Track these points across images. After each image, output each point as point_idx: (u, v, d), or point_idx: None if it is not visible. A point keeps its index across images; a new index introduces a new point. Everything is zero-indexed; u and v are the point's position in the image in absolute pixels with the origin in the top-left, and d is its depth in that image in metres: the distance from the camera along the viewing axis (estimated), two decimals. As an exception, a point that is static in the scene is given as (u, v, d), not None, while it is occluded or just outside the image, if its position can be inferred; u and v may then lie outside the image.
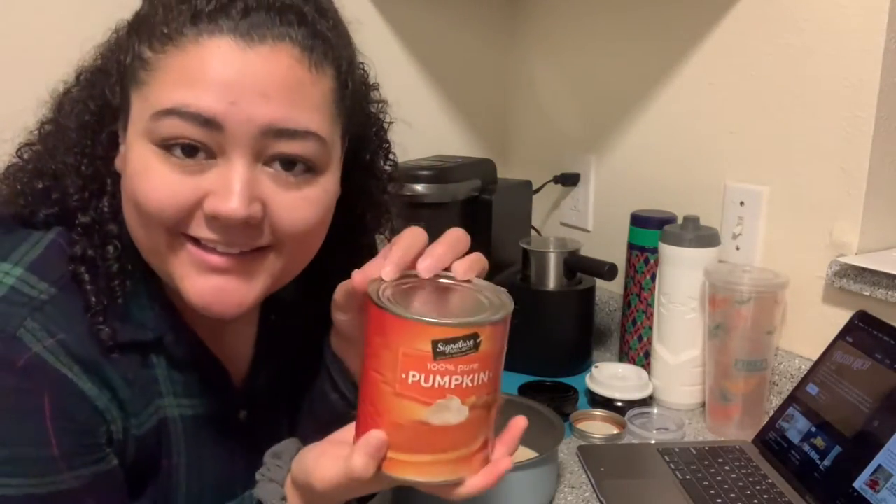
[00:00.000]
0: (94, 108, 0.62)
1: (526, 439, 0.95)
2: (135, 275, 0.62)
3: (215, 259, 0.56)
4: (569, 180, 1.48)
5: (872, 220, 1.00)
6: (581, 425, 1.05)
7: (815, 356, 0.98)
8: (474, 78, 1.61)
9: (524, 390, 1.12)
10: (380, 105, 0.75)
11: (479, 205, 1.27)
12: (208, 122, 0.53)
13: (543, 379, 1.18)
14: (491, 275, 1.34)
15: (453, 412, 0.50)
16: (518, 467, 0.83)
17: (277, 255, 0.59)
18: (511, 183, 1.38)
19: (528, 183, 1.43)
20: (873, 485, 0.79)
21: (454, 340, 0.49)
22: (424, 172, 1.20)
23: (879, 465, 0.80)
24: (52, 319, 0.56)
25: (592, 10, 1.43)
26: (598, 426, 1.06)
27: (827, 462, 0.86)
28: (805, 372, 0.99)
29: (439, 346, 0.49)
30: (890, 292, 0.94)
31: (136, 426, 0.61)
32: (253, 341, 0.71)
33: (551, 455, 0.87)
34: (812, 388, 0.95)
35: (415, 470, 0.52)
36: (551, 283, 1.26)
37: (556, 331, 1.26)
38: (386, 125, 0.77)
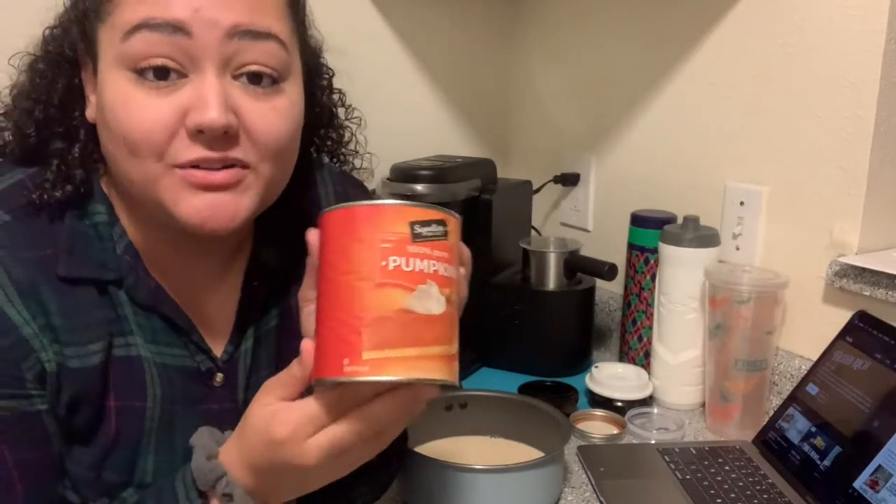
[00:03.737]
0: (49, 62, 0.65)
1: (531, 438, 0.96)
2: (100, 219, 0.64)
3: (205, 176, 0.58)
4: (569, 180, 1.48)
5: (872, 220, 1.00)
6: (581, 425, 1.05)
7: (815, 356, 0.98)
8: (474, 78, 1.60)
9: (524, 390, 1.12)
10: (317, 38, 0.76)
11: (479, 205, 1.27)
12: (176, 30, 0.56)
13: (543, 379, 1.18)
14: (491, 275, 1.35)
15: (434, 300, 0.51)
16: (525, 467, 0.83)
17: (257, 175, 0.60)
18: (511, 183, 1.38)
19: (528, 183, 1.43)
20: (873, 485, 0.79)
21: (429, 223, 0.52)
22: (424, 172, 1.20)
23: (879, 465, 0.80)
24: (1, 240, 0.58)
25: (593, 11, 1.43)
26: (598, 426, 1.06)
27: (827, 462, 0.86)
28: (805, 372, 0.99)
29: (416, 227, 0.51)
30: (890, 292, 0.94)
31: (75, 357, 0.60)
32: (235, 308, 0.71)
33: (557, 455, 0.87)
34: (812, 388, 0.95)
35: (404, 366, 0.50)
36: (551, 283, 1.26)
37: (556, 331, 1.26)
38: (325, 59, 0.78)
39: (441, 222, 0.52)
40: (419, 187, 1.19)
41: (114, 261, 0.64)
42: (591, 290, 1.28)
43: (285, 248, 0.71)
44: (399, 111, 1.46)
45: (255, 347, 0.72)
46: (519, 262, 1.30)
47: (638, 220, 1.22)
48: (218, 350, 0.69)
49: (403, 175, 1.20)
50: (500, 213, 1.28)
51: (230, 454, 0.58)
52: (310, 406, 0.53)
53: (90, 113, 0.64)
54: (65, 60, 0.65)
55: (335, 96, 0.79)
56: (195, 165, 0.58)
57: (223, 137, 0.57)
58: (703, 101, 1.22)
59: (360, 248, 0.51)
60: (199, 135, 0.57)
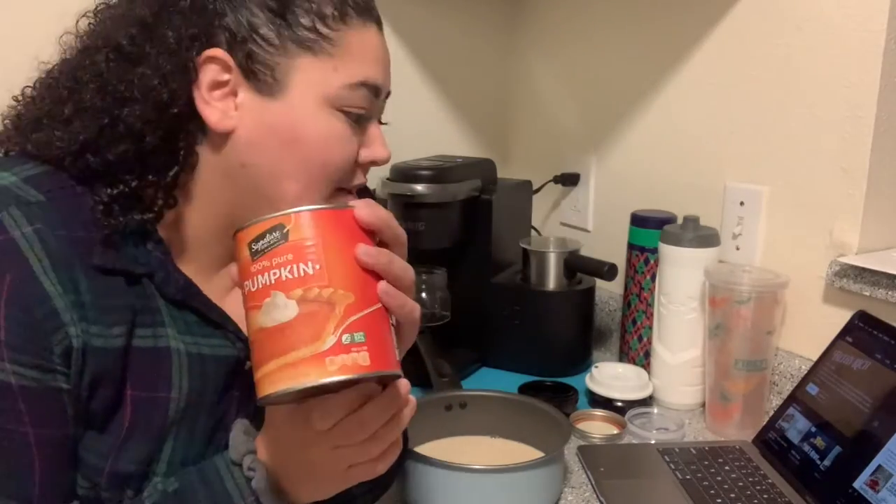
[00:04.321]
0: (178, 38, 0.61)
1: (531, 438, 0.96)
2: (134, 219, 0.63)
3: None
4: (569, 180, 1.48)
5: (872, 220, 1.00)
6: (581, 425, 1.05)
7: (815, 356, 0.98)
8: (474, 78, 1.61)
9: (524, 390, 1.12)
10: None
11: (479, 205, 1.27)
12: (378, 93, 0.67)
13: (543, 379, 1.18)
14: (491, 275, 1.34)
15: (280, 308, 0.51)
16: (525, 467, 0.83)
17: None
18: (511, 183, 1.38)
19: (528, 183, 1.43)
20: (873, 485, 0.79)
21: (262, 236, 0.52)
22: (424, 172, 1.20)
23: (879, 465, 0.80)
24: (37, 215, 0.59)
25: (592, 11, 1.43)
26: (598, 426, 1.06)
27: (827, 462, 0.86)
28: (805, 372, 0.99)
29: (252, 245, 0.53)
30: (890, 292, 0.94)
31: (99, 336, 0.60)
32: None
33: (557, 455, 0.87)
34: (812, 388, 0.95)
35: (268, 382, 0.51)
36: (551, 283, 1.26)
37: (556, 331, 1.26)
38: None
39: (275, 228, 0.52)
40: (419, 187, 1.19)
41: (144, 255, 0.64)
42: (591, 290, 1.28)
43: None
44: (399, 111, 1.46)
45: None
46: (519, 262, 1.30)
47: (638, 220, 1.22)
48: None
49: (403, 175, 1.20)
50: (500, 213, 1.28)
51: (260, 438, 0.62)
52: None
53: (226, 123, 0.62)
54: (177, 52, 0.61)
55: None
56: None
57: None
58: (703, 101, 1.22)
59: (237, 261, 0.55)
60: (368, 166, 0.69)
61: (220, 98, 0.63)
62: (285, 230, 0.52)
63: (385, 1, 1.46)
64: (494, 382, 1.22)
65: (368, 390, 0.57)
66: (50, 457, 0.58)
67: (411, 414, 0.60)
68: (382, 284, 0.54)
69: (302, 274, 0.51)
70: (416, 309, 0.58)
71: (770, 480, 0.90)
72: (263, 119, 0.64)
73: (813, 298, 1.06)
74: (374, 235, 0.56)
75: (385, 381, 0.56)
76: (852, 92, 0.99)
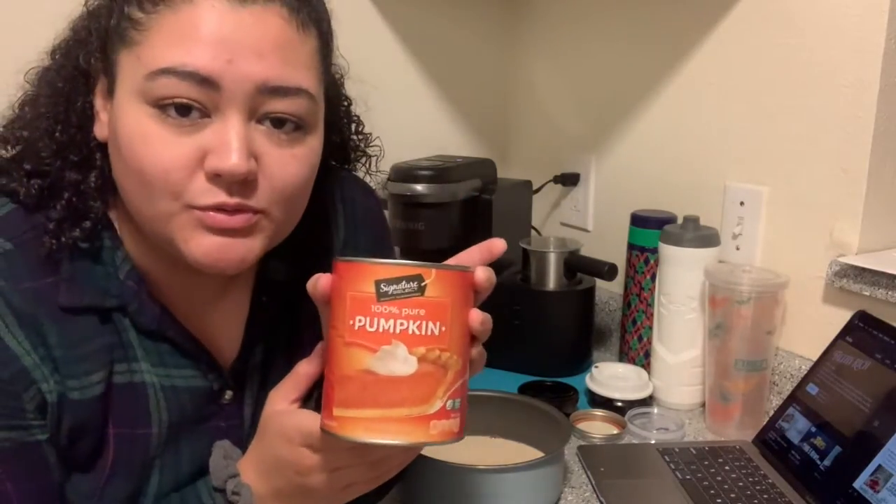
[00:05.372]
0: (66, 76, 0.63)
1: (531, 438, 0.96)
2: (103, 244, 0.63)
3: (220, 221, 0.57)
4: (569, 180, 1.48)
5: (872, 220, 1.00)
6: (581, 425, 1.05)
7: (815, 356, 0.98)
8: (474, 78, 1.60)
9: (524, 390, 1.12)
10: (338, 67, 0.76)
11: (479, 205, 1.27)
12: (204, 81, 0.54)
13: (543, 379, 1.18)
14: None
15: (399, 361, 0.50)
16: (525, 467, 0.83)
17: (269, 220, 0.60)
18: (511, 183, 1.38)
19: (528, 183, 1.43)
20: (873, 485, 0.79)
21: (397, 281, 0.50)
22: (424, 172, 1.20)
23: (879, 465, 0.80)
24: (1, 269, 0.57)
25: (592, 10, 1.43)
26: (598, 426, 1.06)
27: (827, 462, 0.86)
28: (805, 372, 0.99)
29: (382, 286, 0.50)
30: (890, 292, 0.94)
31: (76, 389, 0.59)
32: (244, 323, 0.70)
33: (557, 455, 0.87)
34: (812, 388, 0.95)
35: (364, 427, 0.50)
36: (551, 283, 1.26)
37: (556, 331, 1.26)
38: (345, 86, 0.78)
39: (414, 278, 0.50)
40: (419, 187, 1.19)
41: (116, 287, 0.62)
42: (591, 290, 1.28)
43: (293, 261, 0.71)
44: (399, 111, 1.46)
45: (264, 363, 0.71)
46: (519, 262, 1.30)
47: (638, 220, 1.22)
48: (226, 364, 0.69)
49: (403, 175, 1.20)
50: (500, 213, 1.28)
51: (246, 459, 0.60)
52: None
53: (100, 131, 0.61)
54: (80, 74, 0.62)
55: (353, 125, 0.79)
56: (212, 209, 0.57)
57: (241, 183, 0.56)
58: (703, 101, 1.22)
59: (337, 303, 0.52)
60: (218, 178, 0.56)
61: (102, 108, 0.61)
62: (423, 283, 0.51)
63: (385, 1, 1.46)
64: (494, 382, 1.21)
65: None
66: None
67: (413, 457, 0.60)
68: (481, 331, 0.55)
69: (429, 333, 0.51)
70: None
71: (770, 480, 0.90)
72: (111, 125, 0.59)
73: (813, 298, 1.06)
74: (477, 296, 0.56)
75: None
76: (852, 92, 0.99)
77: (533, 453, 0.94)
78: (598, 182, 1.46)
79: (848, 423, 0.86)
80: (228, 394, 0.68)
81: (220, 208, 0.56)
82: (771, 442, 0.97)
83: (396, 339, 0.50)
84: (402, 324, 0.50)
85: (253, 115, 0.57)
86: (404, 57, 1.49)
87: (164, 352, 0.65)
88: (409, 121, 1.49)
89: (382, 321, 0.50)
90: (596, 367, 1.16)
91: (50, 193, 0.61)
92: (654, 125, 1.32)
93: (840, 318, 0.97)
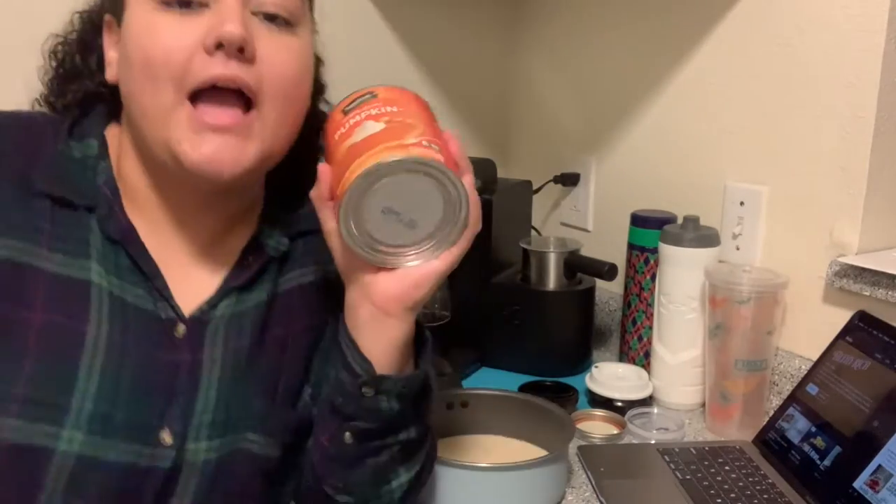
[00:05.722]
0: (77, 40, 0.74)
1: (535, 437, 0.96)
2: (89, 151, 0.69)
3: (214, 116, 0.62)
4: (569, 180, 1.48)
5: (872, 220, 1.00)
6: (581, 425, 1.05)
7: (815, 356, 0.98)
8: (474, 78, 1.60)
9: (524, 390, 1.12)
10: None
11: (479, 205, 1.26)
12: None
13: (543, 379, 1.18)
14: (491, 275, 1.34)
15: (369, 128, 0.60)
16: (529, 465, 0.83)
17: (262, 121, 0.64)
18: (511, 183, 1.38)
19: (528, 183, 1.43)
20: (873, 485, 0.79)
21: (354, 100, 0.64)
22: (424, 172, 1.19)
23: (879, 465, 0.80)
24: None
25: (593, 11, 1.43)
26: (598, 426, 1.06)
27: (827, 462, 0.86)
28: (805, 372, 0.99)
29: (345, 107, 0.64)
30: (890, 292, 0.94)
31: None
32: (224, 275, 0.71)
33: (561, 453, 0.87)
34: (812, 388, 0.95)
35: (356, 169, 0.58)
36: (551, 283, 1.26)
37: (556, 331, 1.26)
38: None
39: (366, 94, 0.63)
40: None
41: (90, 189, 0.67)
42: (591, 290, 1.28)
43: (290, 236, 0.75)
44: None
45: (232, 315, 0.71)
46: (519, 262, 1.30)
47: (638, 220, 1.22)
48: (190, 306, 0.69)
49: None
50: (500, 213, 1.28)
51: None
52: None
53: (110, 73, 0.68)
54: (84, 39, 0.73)
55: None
56: (210, 90, 0.61)
57: (238, 56, 0.61)
58: (703, 101, 1.22)
59: (325, 149, 0.65)
60: (217, 50, 0.60)
61: (110, 47, 0.69)
62: (375, 93, 0.63)
63: (385, 1, 1.46)
64: (494, 382, 1.22)
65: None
66: None
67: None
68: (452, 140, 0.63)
69: (388, 111, 0.62)
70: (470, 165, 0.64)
71: (770, 480, 0.90)
72: (121, 52, 0.66)
73: (813, 298, 1.06)
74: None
75: (452, 183, 0.61)
76: (852, 92, 0.99)
77: (536, 451, 0.94)
78: (598, 182, 1.46)
79: (848, 423, 0.86)
80: (181, 329, 0.68)
81: (220, 84, 0.61)
82: (771, 442, 0.97)
83: (364, 120, 0.61)
84: (365, 112, 0.62)
85: (247, 5, 0.63)
86: (404, 57, 1.49)
87: (123, 265, 0.66)
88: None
89: (352, 119, 0.62)
90: (596, 367, 1.16)
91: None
92: (654, 125, 1.32)
93: (840, 318, 0.97)
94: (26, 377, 0.60)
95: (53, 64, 0.75)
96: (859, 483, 0.81)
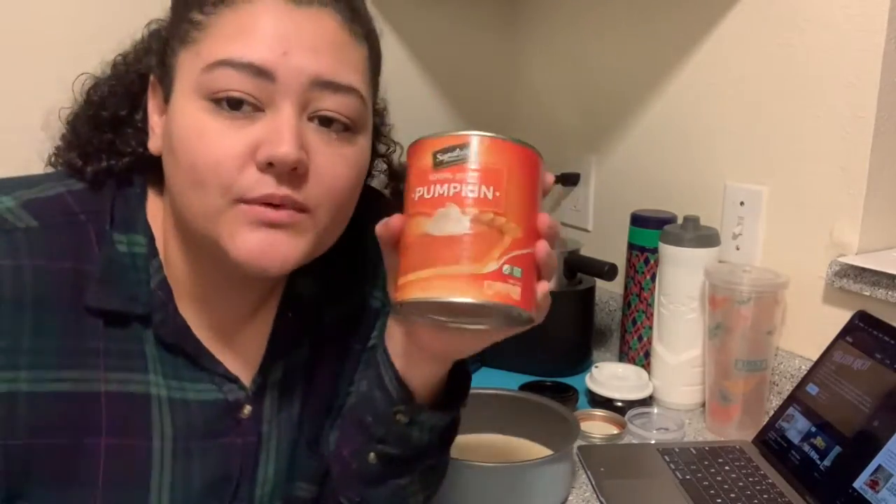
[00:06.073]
0: (114, 89, 0.66)
1: (539, 437, 0.96)
2: (138, 250, 0.63)
3: (267, 213, 0.57)
4: (569, 180, 1.48)
5: (872, 220, 1.00)
6: (581, 425, 1.05)
7: (815, 356, 0.98)
8: (474, 78, 1.60)
9: (524, 390, 1.12)
10: (383, 104, 0.77)
11: (479, 205, 1.26)
12: (260, 73, 0.56)
13: (543, 379, 1.18)
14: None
15: (452, 221, 0.51)
16: (534, 465, 0.83)
17: (314, 221, 0.60)
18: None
19: (529, 183, 1.42)
20: (873, 485, 0.79)
21: (451, 148, 0.52)
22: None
23: (879, 465, 0.80)
24: (19, 241, 0.58)
25: (593, 10, 1.43)
26: (598, 426, 1.06)
27: (827, 462, 0.86)
28: (805, 372, 0.99)
29: (437, 155, 0.53)
30: (890, 292, 0.94)
31: (26, 381, 0.58)
32: (266, 338, 0.70)
33: (566, 452, 0.87)
34: (812, 388, 0.95)
35: (420, 287, 0.51)
36: (551, 283, 1.26)
37: (556, 331, 1.26)
38: (388, 127, 0.80)
39: (466, 145, 0.52)
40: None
41: (145, 295, 0.62)
42: (591, 290, 1.28)
43: (321, 277, 0.71)
44: (399, 111, 1.46)
45: (284, 380, 0.70)
46: (519, 262, 1.30)
47: (638, 220, 1.22)
48: (246, 381, 0.68)
49: (403, 174, 1.20)
50: (500, 213, 1.28)
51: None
52: None
53: (154, 144, 0.63)
54: (131, 88, 0.66)
55: (395, 155, 0.80)
56: (261, 203, 0.57)
57: (291, 175, 0.57)
58: (703, 101, 1.22)
59: (406, 183, 0.54)
60: (269, 168, 0.56)
61: (156, 122, 0.63)
62: (476, 149, 0.53)
63: (385, 1, 1.46)
64: (494, 382, 1.21)
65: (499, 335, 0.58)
66: None
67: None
68: (546, 227, 0.54)
69: (482, 196, 0.52)
70: (556, 267, 0.57)
71: (770, 480, 0.90)
72: (165, 131, 0.61)
73: (813, 298, 1.06)
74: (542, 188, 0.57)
75: (520, 321, 0.55)
76: (852, 92, 0.99)
77: (539, 450, 0.94)
78: (598, 182, 1.46)
79: (848, 423, 0.86)
80: (247, 409, 0.67)
81: (267, 202, 0.57)
82: (771, 442, 0.97)
83: (450, 202, 0.51)
84: (455, 187, 0.52)
85: (304, 110, 0.58)
86: (405, 57, 1.49)
87: (181, 364, 0.64)
88: (409, 121, 1.49)
89: (438, 187, 0.52)
90: (596, 367, 1.16)
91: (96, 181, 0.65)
92: (654, 125, 1.32)
93: (840, 318, 0.97)
94: None
95: (89, 109, 0.66)
96: (859, 483, 0.81)
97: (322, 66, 0.57)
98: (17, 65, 1.12)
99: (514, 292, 0.52)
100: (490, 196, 0.52)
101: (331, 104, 0.58)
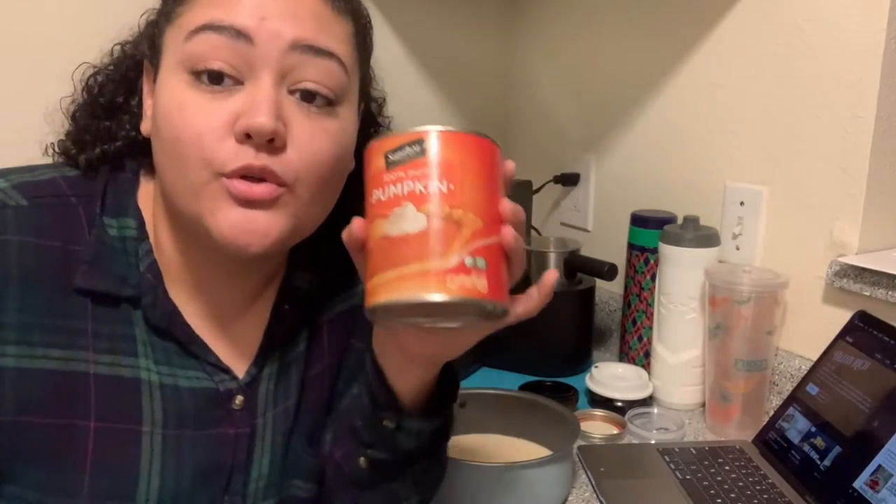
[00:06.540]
0: (112, 76, 0.68)
1: (539, 437, 0.96)
2: (129, 233, 0.64)
3: (245, 189, 0.57)
4: (569, 180, 1.49)
5: (872, 220, 1.00)
6: (581, 425, 1.05)
7: (815, 356, 0.98)
8: (474, 78, 1.61)
9: (524, 390, 1.12)
10: (381, 94, 0.77)
11: (479, 205, 1.26)
12: (240, 35, 0.56)
13: (543, 379, 1.18)
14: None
15: (409, 220, 0.50)
16: (534, 465, 0.83)
17: (293, 196, 0.59)
18: (511, 182, 1.38)
19: (529, 183, 1.43)
20: (873, 485, 0.79)
21: (401, 147, 0.51)
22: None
23: (879, 465, 0.80)
24: (2, 220, 0.59)
25: (592, 10, 1.43)
26: (598, 426, 1.06)
27: (827, 462, 0.86)
28: (805, 372, 0.99)
29: (389, 156, 0.51)
30: (890, 292, 0.94)
31: (13, 356, 0.58)
32: (262, 330, 0.70)
33: (566, 452, 0.87)
34: (812, 388, 0.95)
35: (384, 291, 0.50)
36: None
37: (556, 331, 1.26)
38: (386, 119, 0.79)
39: (415, 142, 0.51)
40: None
41: (135, 277, 0.63)
42: (591, 290, 1.28)
43: (319, 272, 0.71)
44: (399, 111, 1.46)
45: (279, 373, 0.70)
46: (519, 262, 1.30)
47: (638, 220, 1.22)
48: (240, 372, 0.68)
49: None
50: (500, 213, 1.28)
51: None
52: None
53: (145, 126, 0.64)
54: (127, 75, 0.67)
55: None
56: (240, 175, 0.57)
57: (268, 147, 0.57)
58: (703, 101, 1.22)
59: (364, 189, 0.53)
60: (247, 140, 0.56)
61: (148, 102, 0.65)
62: (425, 145, 0.51)
63: (385, 1, 1.46)
64: (494, 382, 1.22)
65: (471, 329, 0.56)
66: None
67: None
68: (509, 213, 0.53)
69: (436, 190, 0.50)
70: (524, 251, 0.55)
71: (770, 480, 0.90)
72: (153, 111, 0.62)
73: (813, 298, 1.06)
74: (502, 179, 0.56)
75: (494, 315, 0.53)
76: (852, 92, 0.99)
77: (539, 450, 0.94)
78: (598, 182, 1.46)
79: (848, 423, 0.86)
80: (239, 399, 0.67)
81: (246, 174, 0.57)
82: (771, 442, 0.97)
83: (405, 200, 0.50)
84: (409, 185, 0.50)
85: (284, 81, 0.58)
86: (404, 56, 1.49)
87: (172, 350, 0.64)
88: (409, 121, 1.49)
89: (392, 188, 0.51)
90: (596, 367, 1.16)
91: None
92: (654, 125, 1.32)
93: (840, 318, 0.97)
94: (88, 490, 0.60)
95: (88, 97, 0.68)
96: (859, 483, 0.81)
97: (302, 31, 0.58)
98: (18, 65, 1.13)
99: (479, 285, 0.50)
100: (445, 189, 0.51)
101: (311, 73, 0.58)
